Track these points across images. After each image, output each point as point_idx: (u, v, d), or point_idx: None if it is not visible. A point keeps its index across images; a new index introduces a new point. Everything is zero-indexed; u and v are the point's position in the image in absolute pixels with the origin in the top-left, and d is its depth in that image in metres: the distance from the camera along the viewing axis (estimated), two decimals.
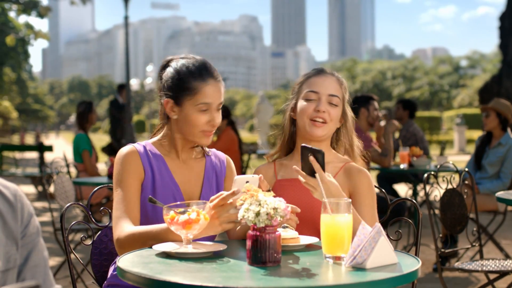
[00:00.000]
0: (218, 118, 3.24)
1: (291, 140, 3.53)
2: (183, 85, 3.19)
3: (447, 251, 5.13)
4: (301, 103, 3.40)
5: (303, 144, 2.99)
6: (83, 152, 9.17)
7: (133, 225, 3.10)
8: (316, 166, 2.92)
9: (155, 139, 3.36)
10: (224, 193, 2.83)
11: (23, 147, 23.68)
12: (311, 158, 2.92)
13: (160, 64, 3.34)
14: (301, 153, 3.00)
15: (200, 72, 3.20)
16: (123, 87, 18.44)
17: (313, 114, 3.34)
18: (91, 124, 9.48)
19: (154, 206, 3.19)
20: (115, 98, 18.22)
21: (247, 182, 2.81)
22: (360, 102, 8.04)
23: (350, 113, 3.48)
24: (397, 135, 9.99)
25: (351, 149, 3.50)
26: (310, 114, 3.35)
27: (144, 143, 3.33)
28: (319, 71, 3.45)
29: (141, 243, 2.94)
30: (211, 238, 3.23)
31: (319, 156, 2.92)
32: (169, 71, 3.26)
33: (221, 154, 3.49)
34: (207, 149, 3.44)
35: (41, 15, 24.56)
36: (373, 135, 8.26)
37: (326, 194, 2.91)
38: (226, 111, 9.65)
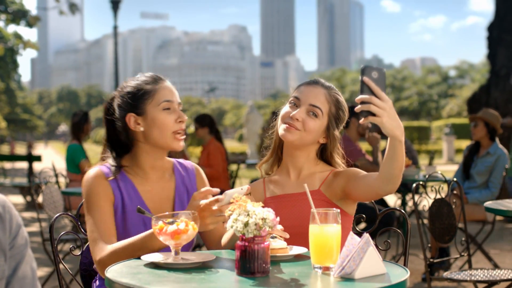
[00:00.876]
0: (184, 115, 3.25)
1: (279, 148, 3.50)
2: (139, 93, 3.20)
3: (435, 261, 5.14)
4: (283, 108, 3.40)
5: (363, 66, 2.67)
6: (81, 162, 9.17)
7: (112, 242, 3.09)
8: (372, 86, 2.64)
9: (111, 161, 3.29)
10: (210, 189, 2.92)
11: (12, 157, 23.63)
12: (365, 78, 2.63)
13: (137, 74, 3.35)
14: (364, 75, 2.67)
15: (153, 78, 3.26)
16: None
17: (287, 120, 3.32)
18: (85, 134, 9.51)
19: (126, 226, 3.18)
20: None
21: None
22: (350, 112, 8.04)
23: (335, 132, 3.41)
24: (384, 145, 9.98)
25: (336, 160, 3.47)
26: (285, 118, 3.33)
27: (110, 166, 3.27)
28: (312, 81, 3.43)
29: (126, 257, 2.92)
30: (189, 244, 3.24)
31: (381, 76, 2.65)
32: (122, 94, 3.26)
33: (188, 164, 3.46)
34: (176, 162, 3.42)
35: (30, 25, 24.53)
36: (363, 145, 8.28)
37: (390, 122, 2.70)
38: (210, 121, 9.59)
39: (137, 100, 3.19)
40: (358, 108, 2.66)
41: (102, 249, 3.06)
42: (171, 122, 3.19)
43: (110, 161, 3.28)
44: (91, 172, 3.22)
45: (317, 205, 2.86)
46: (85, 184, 3.20)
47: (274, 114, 3.53)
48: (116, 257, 2.98)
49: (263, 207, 2.56)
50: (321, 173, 3.40)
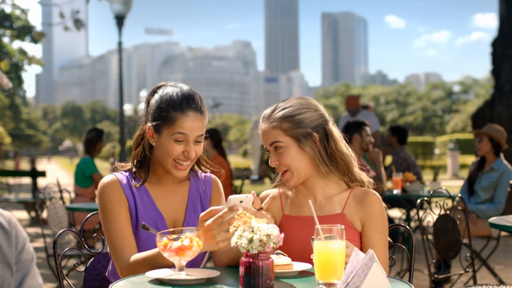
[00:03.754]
0: (194, 151, 3.22)
1: None
2: (162, 113, 3.19)
3: (440, 276, 5.13)
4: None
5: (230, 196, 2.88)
6: (94, 174, 9.26)
7: (132, 253, 3.10)
8: (250, 211, 2.85)
9: (129, 166, 3.34)
10: (215, 208, 2.87)
11: (16, 173, 23.63)
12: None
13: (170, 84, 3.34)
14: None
15: (181, 103, 3.19)
16: None
17: (276, 168, 3.31)
18: (98, 152, 9.63)
19: (138, 230, 3.19)
20: None
21: (241, 201, 2.82)
22: (352, 128, 8.07)
23: (312, 139, 3.25)
24: (389, 161, 10.00)
25: (346, 164, 3.30)
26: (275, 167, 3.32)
27: (125, 172, 3.32)
28: (258, 124, 3.35)
29: (145, 270, 2.91)
30: (200, 258, 3.23)
31: (247, 200, 2.87)
32: (155, 98, 3.27)
33: (208, 175, 3.47)
34: (194, 172, 3.43)
35: (35, 41, 24.58)
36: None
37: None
38: (217, 137, 9.56)
39: (158, 119, 3.20)
40: None
41: (123, 260, 3.08)
42: (176, 152, 3.18)
43: (129, 166, 3.34)
44: (105, 180, 3.26)
45: None
46: (100, 193, 3.23)
47: None
48: (136, 269, 3.00)
49: (267, 223, 2.56)
50: (339, 195, 3.32)
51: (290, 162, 3.23)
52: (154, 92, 3.32)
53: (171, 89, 3.25)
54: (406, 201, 8.65)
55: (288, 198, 3.43)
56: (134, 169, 3.32)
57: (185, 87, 3.28)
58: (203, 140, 3.27)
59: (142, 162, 3.31)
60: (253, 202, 2.99)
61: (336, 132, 3.33)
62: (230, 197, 2.85)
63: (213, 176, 3.49)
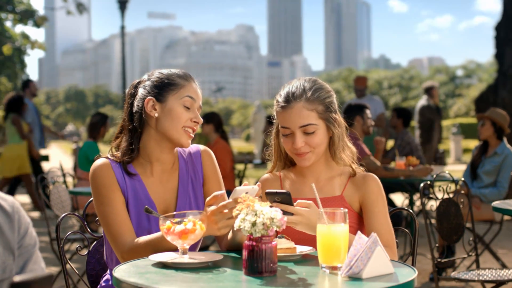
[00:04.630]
0: (201, 118, 3.26)
1: (283, 153, 3.43)
2: (168, 82, 3.23)
3: (443, 260, 5.13)
4: (282, 137, 3.32)
5: (267, 191, 2.92)
6: (97, 157, 9.26)
7: (130, 238, 3.10)
8: (284, 208, 2.85)
9: (123, 153, 3.28)
10: (220, 194, 2.87)
11: None
12: (275, 204, 2.86)
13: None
14: (268, 200, 2.91)
15: (185, 74, 3.29)
16: None
17: (293, 150, 3.25)
18: (101, 136, 9.66)
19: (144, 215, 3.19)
20: None
21: (246, 193, 2.81)
22: (354, 110, 8.07)
23: (338, 120, 3.30)
24: (391, 144, 9.98)
25: (347, 157, 3.34)
26: (290, 150, 3.27)
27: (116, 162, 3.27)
28: (284, 103, 3.24)
29: (147, 254, 2.90)
30: (196, 243, 3.22)
31: (285, 197, 2.88)
32: (151, 78, 3.29)
33: (192, 149, 3.43)
34: (180, 151, 3.40)
35: (37, 25, 24.52)
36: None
37: (307, 227, 2.91)
38: (217, 120, 9.55)
39: (162, 87, 3.22)
40: None
41: (124, 245, 3.08)
42: (186, 118, 3.20)
43: (121, 148, 3.29)
44: (97, 163, 3.23)
45: None
46: (93, 176, 3.20)
47: (269, 118, 3.48)
48: (138, 253, 3.00)
49: (271, 206, 2.56)
50: (340, 177, 3.34)
51: (318, 144, 3.24)
52: (137, 84, 3.34)
53: (165, 70, 3.31)
54: (409, 185, 8.65)
55: (288, 179, 3.43)
56: (123, 159, 3.26)
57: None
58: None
59: (128, 152, 3.26)
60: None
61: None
62: (236, 188, 2.84)
63: (201, 147, 3.46)
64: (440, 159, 14.15)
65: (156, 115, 3.21)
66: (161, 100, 3.21)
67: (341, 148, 3.30)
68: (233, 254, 3.02)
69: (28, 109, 12.62)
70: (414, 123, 13.59)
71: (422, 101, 14.00)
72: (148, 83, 3.27)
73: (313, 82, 3.30)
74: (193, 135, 3.25)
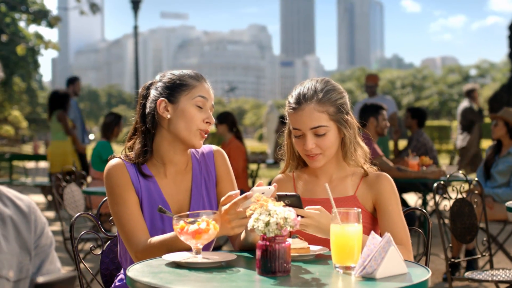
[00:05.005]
0: (213, 119, 3.27)
1: (296, 153, 3.42)
2: (179, 82, 3.23)
3: (456, 261, 5.13)
4: (293, 138, 3.31)
5: (278, 193, 2.92)
6: (111, 157, 9.30)
7: (144, 237, 3.11)
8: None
9: (136, 154, 3.28)
10: (234, 193, 2.87)
11: (32, 157, 23.72)
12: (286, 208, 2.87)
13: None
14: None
15: (196, 74, 3.29)
16: None
17: (304, 152, 3.25)
18: (114, 136, 9.68)
19: (158, 216, 3.20)
20: None
21: (262, 193, 2.81)
22: (369, 111, 8.04)
23: (350, 121, 3.29)
24: (404, 144, 9.93)
25: (359, 157, 3.33)
26: (302, 151, 3.27)
27: (130, 161, 3.28)
28: (295, 105, 3.24)
29: (161, 253, 2.91)
30: (209, 243, 3.22)
31: (294, 200, 2.88)
32: (162, 79, 3.30)
33: (205, 149, 3.44)
34: (193, 152, 3.41)
35: (51, 25, 24.60)
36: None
37: (317, 229, 2.92)
38: (231, 119, 9.57)
39: (174, 88, 3.23)
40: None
41: (137, 244, 3.08)
42: (199, 118, 3.21)
43: (134, 149, 3.30)
44: (111, 163, 3.25)
45: None
46: (107, 176, 3.22)
47: (282, 119, 3.48)
48: (152, 253, 3.01)
49: (284, 206, 2.56)
50: (353, 177, 3.34)
51: (329, 146, 3.23)
52: (149, 85, 3.35)
53: (177, 71, 3.32)
54: (422, 185, 8.63)
55: (301, 180, 3.43)
56: (137, 161, 3.27)
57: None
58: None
59: (142, 154, 3.28)
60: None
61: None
62: (253, 188, 2.85)
63: (213, 147, 3.47)
64: (474, 164, 14.09)
65: (169, 116, 3.22)
66: (173, 101, 3.22)
67: (353, 149, 3.29)
68: (247, 254, 3.03)
69: (72, 106, 12.58)
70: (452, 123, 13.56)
71: (464, 103, 14.01)
72: (160, 84, 3.28)
73: (325, 83, 3.29)
74: (206, 136, 3.25)
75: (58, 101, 12.05)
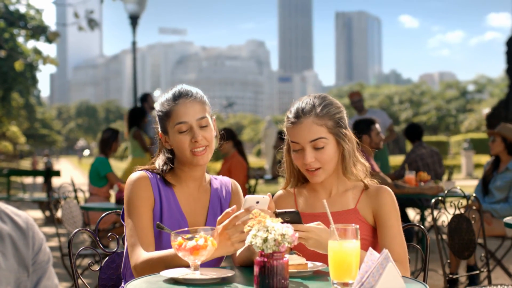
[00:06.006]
0: (203, 136, 3.27)
1: (296, 169, 3.44)
2: (160, 114, 3.32)
3: (455, 276, 5.12)
4: (292, 153, 3.33)
5: (277, 210, 2.93)
6: (109, 174, 9.33)
7: (148, 251, 3.11)
8: (293, 227, 2.82)
9: (159, 165, 3.38)
10: (231, 210, 2.87)
11: (31, 172, 23.71)
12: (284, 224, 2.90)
13: (166, 90, 3.39)
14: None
15: (174, 95, 3.30)
16: None
17: (304, 166, 3.27)
18: (113, 151, 9.68)
19: (160, 232, 3.21)
20: None
21: (257, 202, 2.82)
22: (361, 128, 8.03)
23: (348, 135, 3.31)
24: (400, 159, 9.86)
25: (358, 172, 3.34)
26: (301, 166, 3.29)
27: (153, 173, 3.35)
28: (294, 119, 3.27)
29: (159, 268, 2.93)
30: (217, 263, 3.23)
31: (293, 215, 2.90)
32: (156, 110, 3.39)
33: (226, 180, 3.53)
34: (212, 177, 3.49)
35: (49, 41, 24.62)
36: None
37: (318, 243, 2.93)
38: (231, 134, 9.63)
39: (161, 120, 3.32)
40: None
41: (138, 256, 3.09)
42: (185, 142, 3.26)
43: (158, 162, 3.39)
44: (135, 175, 3.30)
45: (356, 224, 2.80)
46: (128, 187, 3.26)
47: (280, 135, 3.51)
48: (150, 267, 3.01)
49: (283, 222, 2.56)
50: (353, 191, 3.36)
51: (328, 160, 3.25)
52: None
53: (160, 98, 3.37)
54: (420, 200, 8.63)
55: (302, 195, 3.45)
56: (161, 171, 3.36)
57: (178, 86, 3.38)
58: (210, 124, 3.32)
59: (167, 165, 3.38)
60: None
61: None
62: (247, 197, 2.86)
63: (231, 180, 3.55)
64: None
65: (169, 147, 3.35)
66: (166, 133, 3.33)
67: (352, 163, 3.30)
68: (245, 270, 3.03)
69: (149, 122, 12.48)
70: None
71: None
72: (156, 114, 3.38)
73: (323, 98, 3.32)
74: (202, 151, 3.27)
75: (135, 118, 11.88)
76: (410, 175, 7.97)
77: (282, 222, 2.82)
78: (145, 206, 3.22)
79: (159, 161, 3.39)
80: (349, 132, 3.33)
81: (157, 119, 3.36)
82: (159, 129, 3.35)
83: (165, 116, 3.28)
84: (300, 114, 3.25)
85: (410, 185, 7.96)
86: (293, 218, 2.89)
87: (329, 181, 3.36)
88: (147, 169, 3.36)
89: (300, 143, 3.24)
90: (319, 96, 3.33)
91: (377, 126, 8.15)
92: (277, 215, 2.89)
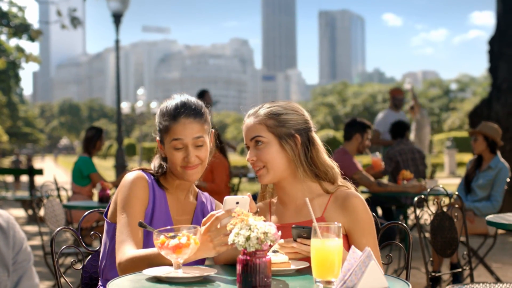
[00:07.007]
0: (196, 155, 3.29)
1: None
2: (160, 125, 3.34)
3: (437, 274, 5.13)
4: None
5: (293, 225, 2.94)
6: (92, 174, 9.30)
7: (136, 248, 3.11)
8: (306, 242, 2.89)
9: (155, 167, 3.42)
10: (216, 213, 2.86)
11: (13, 171, 23.60)
12: (299, 239, 2.93)
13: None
14: (293, 235, 2.96)
15: (172, 112, 3.31)
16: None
17: (252, 164, 3.31)
18: (97, 150, 9.66)
19: (149, 233, 3.21)
20: None
21: (237, 202, 2.83)
22: (356, 127, 8.07)
23: (297, 138, 3.26)
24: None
25: (326, 173, 3.31)
26: (181, 162, 3.31)
27: (149, 174, 3.39)
28: (245, 119, 3.35)
29: (143, 267, 2.93)
30: (200, 262, 3.23)
31: (310, 231, 2.82)
32: (157, 116, 3.41)
33: (212, 199, 3.58)
34: (200, 192, 3.54)
35: (32, 39, 24.55)
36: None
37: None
38: (215, 136, 9.60)
39: (160, 131, 3.35)
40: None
41: (123, 253, 3.10)
42: (178, 159, 3.27)
43: (154, 164, 3.44)
44: (134, 174, 3.32)
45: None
46: (126, 184, 3.28)
47: None
48: (134, 265, 3.01)
49: (264, 221, 2.56)
50: (320, 198, 3.28)
51: (268, 159, 3.24)
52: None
53: (170, 101, 3.37)
54: (402, 198, 8.65)
55: (274, 206, 3.44)
56: (156, 172, 3.40)
57: (184, 97, 3.38)
58: (206, 143, 3.33)
59: (162, 169, 3.42)
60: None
61: (319, 141, 3.34)
62: (226, 198, 2.86)
63: (216, 201, 3.60)
64: None
65: (164, 155, 3.38)
66: (162, 143, 3.35)
67: (303, 167, 3.26)
68: (228, 268, 3.03)
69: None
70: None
71: None
72: (156, 118, 3.42)
73: (277, 102, 3.38)
74: (193, 166, 3.29)
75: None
76: (374, 157, 8.02)
77: (299, 237, 2.88)
78: (140, 206, 3.25)
79: (155, 163, 3.43)
80: (306, 136, 3.29)
81: (156, 126, 3.38)
82: (158, 137, 3.38)
83: (164, 130, 3.30)
84: (249, 115, 3.34)
85: (377, 167, 8.01)
86: (310, 234, 2.82)
87: (292, 190, 3.32)
88: (143, 170, 3.39)
89: (245, 141, 3.33)
90: (282, 101, 3.41)
91: (370, 131, 8.20)
92: (294, 229, 2.93)
